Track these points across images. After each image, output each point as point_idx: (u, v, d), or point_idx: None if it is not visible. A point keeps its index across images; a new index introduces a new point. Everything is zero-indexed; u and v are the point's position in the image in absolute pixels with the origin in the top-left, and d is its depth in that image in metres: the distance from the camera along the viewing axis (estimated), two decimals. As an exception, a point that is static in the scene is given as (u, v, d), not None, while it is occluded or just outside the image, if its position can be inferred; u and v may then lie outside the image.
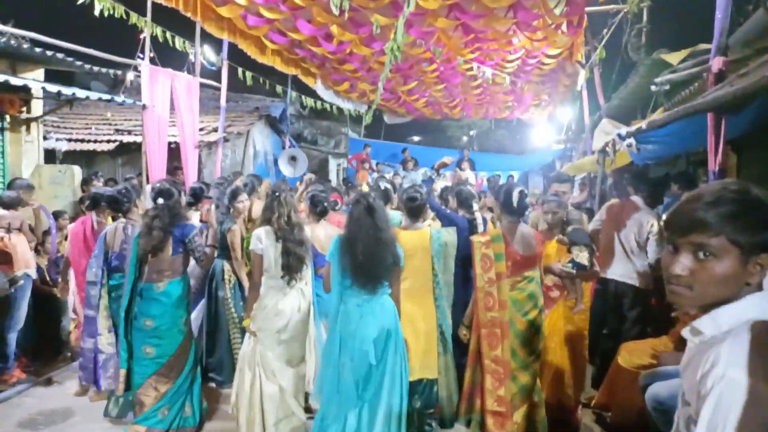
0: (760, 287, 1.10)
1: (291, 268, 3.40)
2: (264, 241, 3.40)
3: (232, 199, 4.53)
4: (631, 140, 3.75)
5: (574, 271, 3.44)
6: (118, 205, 3.99)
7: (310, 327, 3.55)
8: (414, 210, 3.49)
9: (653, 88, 4.12)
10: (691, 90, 4.13)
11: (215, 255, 4.34)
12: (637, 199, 4.26)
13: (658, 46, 5.85)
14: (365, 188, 4.77)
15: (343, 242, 3.05)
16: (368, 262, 2.95)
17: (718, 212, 1.06)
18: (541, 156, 14.19)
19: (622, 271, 4.22)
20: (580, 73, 8.16)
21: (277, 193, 3.51)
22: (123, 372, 3.52)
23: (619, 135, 4.01)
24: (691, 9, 5.62)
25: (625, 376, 3.35)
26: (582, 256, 3.44)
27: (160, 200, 3.54)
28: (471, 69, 8.62)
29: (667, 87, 4.06)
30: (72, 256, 4.59)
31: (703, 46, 4.79)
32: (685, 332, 1.19)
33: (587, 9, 6.57)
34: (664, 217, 4.21)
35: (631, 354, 3.46)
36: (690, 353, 1.17)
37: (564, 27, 6.97)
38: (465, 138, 22.28)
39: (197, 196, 5.18)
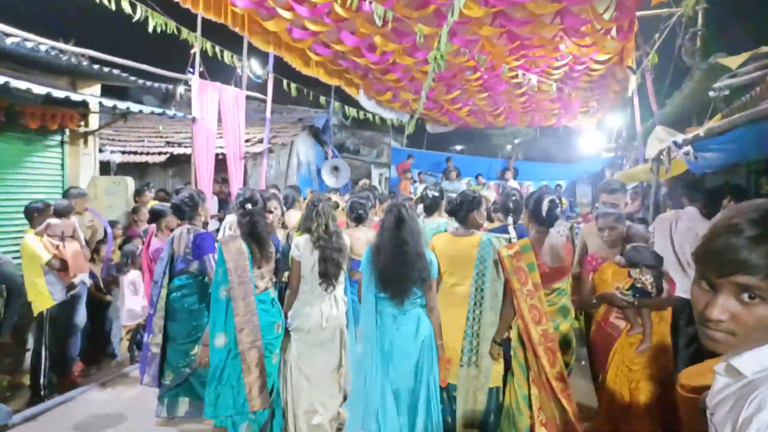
0: None
1: (329, 274, 3.50)
2: (302, 248, 3.54)
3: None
4: (689, 148, 3.57)
5: (635, 300, 2.95)
6: (180, 213, 4.15)
7: (344, 334, 3.65)
8: (459, 215, 3.37)
9: (712, 93, 3.92)
10: (752, 95, 3.90)
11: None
12: (692, 209, 4.07)
13: (714, 50, 5.59)
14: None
15: (373, 252, 3.14)
16: (391, 273, 3.02)
17: (765, 250, 0.92)
18: (589, 164, 13.80)
19: (678, 285, 4.01)
20: (631, 78, 7.91)
21: (315, 204, 3.63)
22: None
23: (675, 143, 3.83)
24: (749, 11, 5.36)
25: (687, 403, 3.15)
26: (645, 280, 2.96)
27: (249, 206, 3.52)
28: (516, 76, 8.49)
29: (727, 92, 3.85)
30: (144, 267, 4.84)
31: (764, 49, 4.54)
32: (719, 369, 1.05)
33: (638, 13, 6.37)
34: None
35: (690, 379, 3.25)
36: (724, 391, 1.03)
37: (614, 32, 6.78)
38: (509, 146, 21.90)
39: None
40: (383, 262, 3.05)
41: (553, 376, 2.95)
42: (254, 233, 3.39)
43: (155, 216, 4.85)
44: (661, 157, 4.60)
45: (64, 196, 5.12)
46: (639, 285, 2.95)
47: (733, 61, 4.81)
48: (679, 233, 4.08)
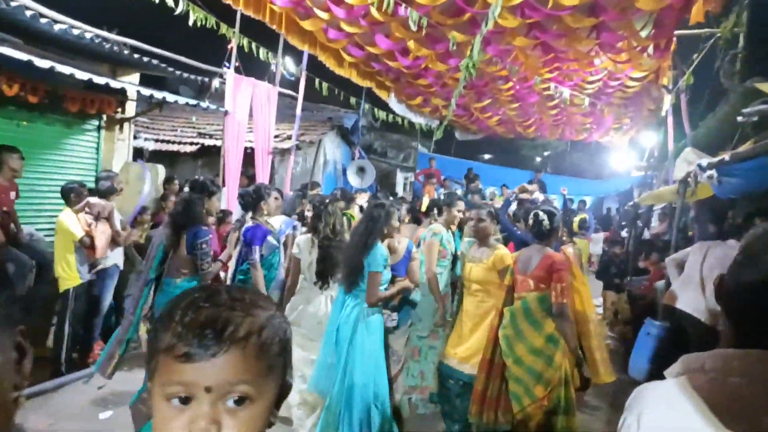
0: None
1: (325, 273, 3.69)
2: (301, 246, 3.72)
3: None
4: (712, 172, 3.53)
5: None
6: (244, 203, 4.40)
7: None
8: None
9: (740, 118, 3.87)
10: (785, 122, 3.85)
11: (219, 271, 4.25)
12: (733, 241, 4.08)
13: (754, 74, 5.47)
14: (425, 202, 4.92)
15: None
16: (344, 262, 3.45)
17: None
18: (618, 182, 13.61)
19: (693, 303, 4.03)
20: (666, 98, 7.79)
21: (323, 204, 3.81)
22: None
23: (699, 166, 3.80)
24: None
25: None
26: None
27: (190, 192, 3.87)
28: (548, 89, 8.45)
29: (755, 118, 3.80)
30: None
31: (803, 75, 4.45)
32: None
33: (677, 32, 6.28)
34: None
35: None
36: None
37: (650, 50, 6.70)
38: (538, 158, 21.74)
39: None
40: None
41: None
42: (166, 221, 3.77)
43: None
44: (688, 179, 4.54)
45: (96, 182, 5.27)
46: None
47: (769, 87, 4.71)
48: (714, 256, 4.10)
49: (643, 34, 6.13)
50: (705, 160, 3.78)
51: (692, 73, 6.63)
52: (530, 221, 3.31)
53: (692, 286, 4.02)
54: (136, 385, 4.52)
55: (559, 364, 3.11)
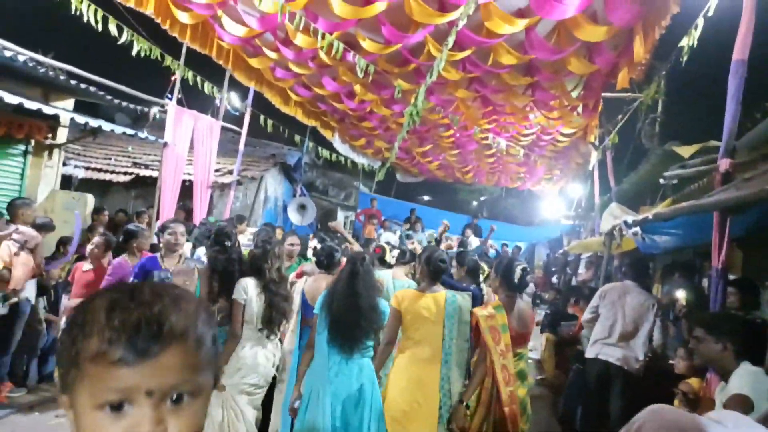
0: None
1: (273, 321, 3.36)
2: (250, 292, 3.32)
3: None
4: (637, 229, 3.79)
5: None
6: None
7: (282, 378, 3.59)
8: (437, 274, 3.35)
9: (662, 181, 4.21)
10: (699, 185, 4.20)
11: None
12: (630, 283, 4.27)
13: (671, 137, 5.99)
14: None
15: (327, 299, 3.12)
16: (343, 324, 2.98)
17: None
18: (549, 229, 14.25)
19: (617, 353, 4.17)
20: (593, 154, 8.32)
21: (270, 243, 3.48)
22: None
23: (625, 222, 4.06)
24: (704, 106, 5.80)
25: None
26: None
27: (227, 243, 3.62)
28: (486, 138, 8.83)
29: (675, 181, 4.14)
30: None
31: (714, 142, 4.89)
32: None
33: (603, 94, 6.77)
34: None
35: None
36: None
37: (580, 109, 7.18)
38: (475, 203, 22.45)
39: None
40: (336, 312, 3.02)
41: None
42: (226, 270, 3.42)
43: (128, 236, 4.57)
44: (614, 232, 4.84)
45: (7, 208, 4.93)
46: None
47: (685, 151, 5.16)
48: (630, 307, 4.22)
49: (574, 94, 6.59)
50: (630, 218, 4.05)
51: (617, 133, 7.15)
52: (516, 275, 3.28)
53: (613, 337, 4.17)
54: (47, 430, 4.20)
55: None
